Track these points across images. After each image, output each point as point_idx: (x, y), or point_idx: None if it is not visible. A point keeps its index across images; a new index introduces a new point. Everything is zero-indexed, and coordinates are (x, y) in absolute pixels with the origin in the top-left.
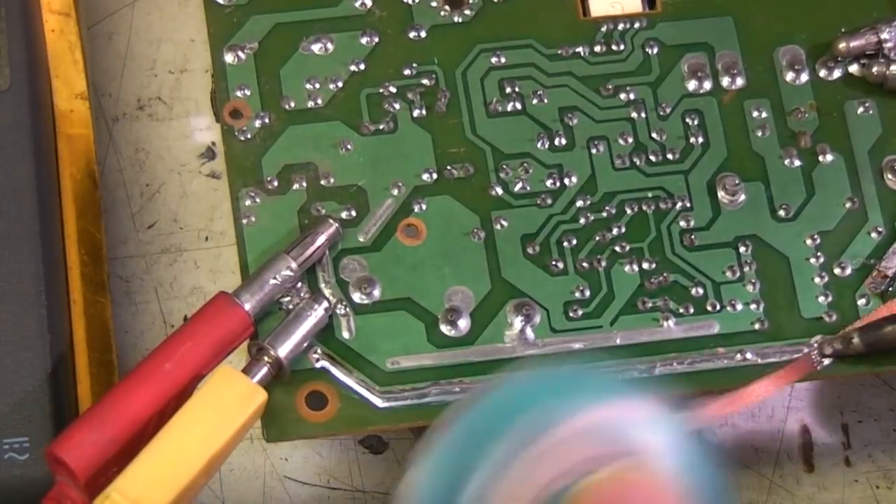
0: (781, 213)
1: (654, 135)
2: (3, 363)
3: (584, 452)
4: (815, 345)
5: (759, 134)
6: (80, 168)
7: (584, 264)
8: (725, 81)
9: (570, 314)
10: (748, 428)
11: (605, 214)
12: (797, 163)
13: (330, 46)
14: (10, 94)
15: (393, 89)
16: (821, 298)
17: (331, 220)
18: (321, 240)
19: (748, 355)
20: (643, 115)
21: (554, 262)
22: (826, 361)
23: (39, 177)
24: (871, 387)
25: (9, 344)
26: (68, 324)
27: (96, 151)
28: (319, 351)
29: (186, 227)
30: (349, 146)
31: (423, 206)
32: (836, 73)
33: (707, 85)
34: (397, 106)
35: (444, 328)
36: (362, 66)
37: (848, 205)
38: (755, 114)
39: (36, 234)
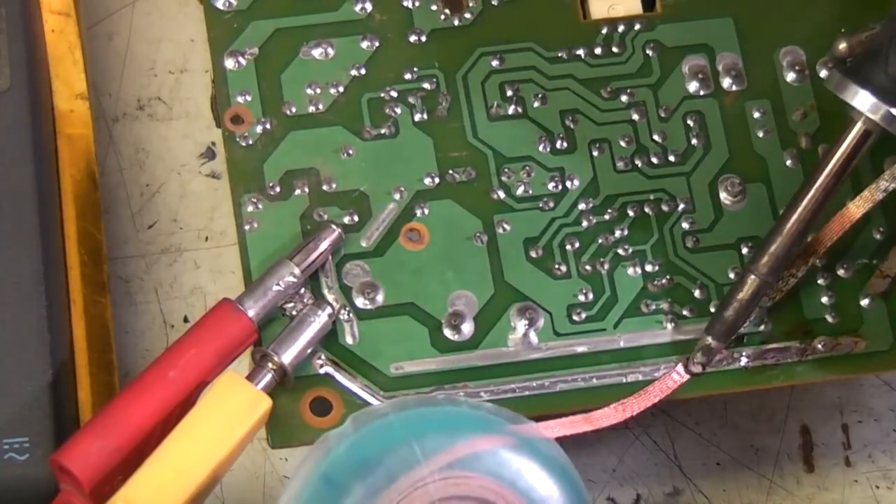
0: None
1: (655, 137)
2: (3, 363)
3: (450, 489)
4: (680, 364)
5: (761, 135)
6: (80, 168)
7: (587, 267)
8: (726, 83)
9: (574, 317)
10: (748, 428)
11: (607, 217)
12: (798, 164)
13: (330, 51)
14: (10, 94)
15: (394, 94)
16: (824, 299)
17: (333, 226)
18: (324, 245)
19: (750, 357)
20: (644, 117)
21: (557, 266)
22: (698, 372)
23: (39, 177)
24: (871, 387)
25: (9, 344)
26: (68, 324)
27: (96, 151)
28: (323, 357)
29: (186, 227)
30: (351, 151)
31: (426, 211)
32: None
33: (708, 86)
34: (398, 110)
35: (448, 332)
36: (363, 71)
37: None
38: (756, 115)
39: (36, 234)
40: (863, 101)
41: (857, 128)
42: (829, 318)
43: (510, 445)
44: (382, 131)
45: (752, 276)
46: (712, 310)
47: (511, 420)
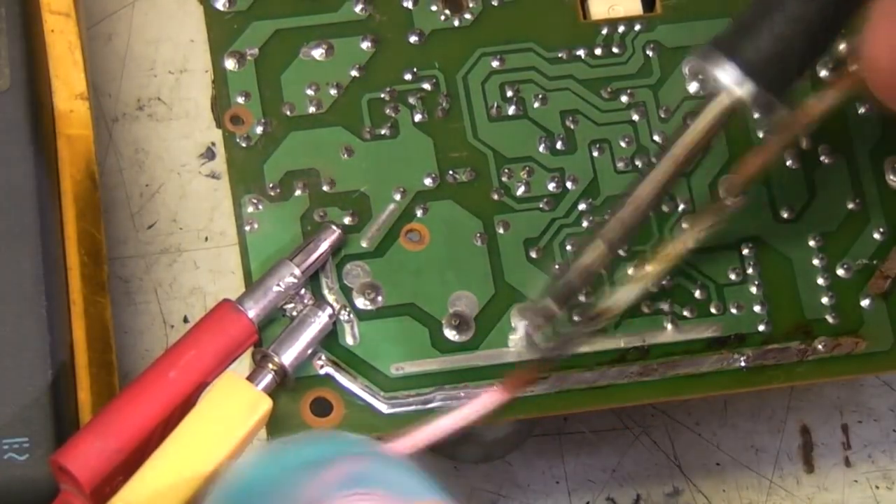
0: (784, 214)
1: (655, 137)
2: (3, 363)
3: None
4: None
5: (761, 135)
6: (79, 168)
7: None
8: None
9: (574, 318)
10: (748, 428)
11: (607, 218)
12: (799, 164)
13: (331, 52)
14: (10, 95)
15: (394, 94)
16: (824, 300)
17: (333, 226)
18: (324, 246)
19: (752, 357)
20: (645, 117)
21: (557, 266)
22: (544, 345)
23: (39, 177)
24: (871, 387)
25: (9, 344)
26: (68, 324)
27: (96, 152)
28: (324, 357)
29: (186, 227)
30: (351, 152)
31: (426, 211)
32: (837, 74)
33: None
34: (399, 111)
35: (449, 333)
36: (363, 72)
37: (850, 206)
38: (756, 115)
39: (36, 234)
40: (728, 74)
41: (720, 101)
42: (830, 319)
43: (375, 464)
44: (382, 132)
45: (599, 241)
46: (713, 310)
47: (369, 443)
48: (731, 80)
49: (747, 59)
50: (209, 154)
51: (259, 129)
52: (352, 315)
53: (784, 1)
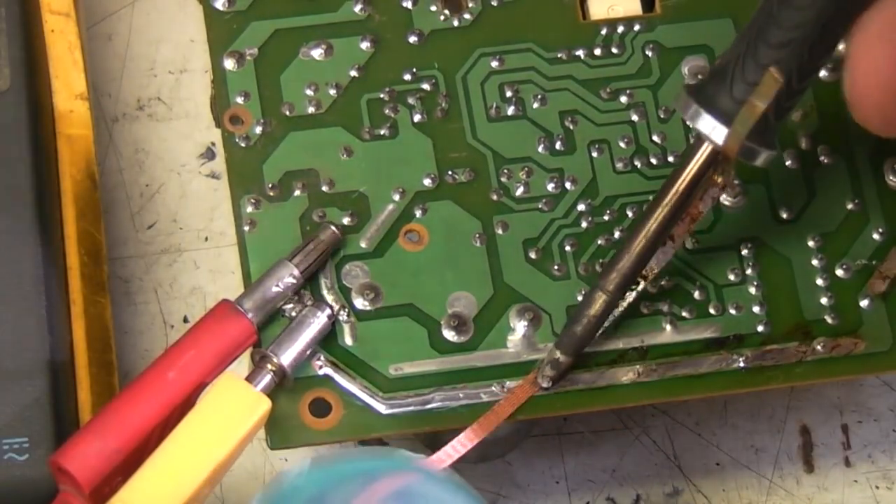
0: (783, 214)
1: (654, 137)
2: (2, 363)
3: None
4: (533, 376)
5: None
6: (79, 168)
7: (587, 268)
8: None
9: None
10: (748, 428)
11: (606, 218)
12: (798, 164)
13: (330, 52)
14: (10, 95)
15: (393, 94)
16: (823, 300)
17: (332, 227)
18: (323, 246)
19: (751, 358)
20: (644, 118)
21: (556, 267)
22: (546, 386)
23: (39, 177)
24: (871, 387)
25: (9, 344)
26: (68, 324)
27: (96, 152)
28: (322, 358)
29: (186, 227)
30: (350, 152)
31: (425, 212)
32: (836, 74)
33: None
34: (398, 111)
35: (447, 334)
36: (362, 72)
37: (849, 206)
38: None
39: (36, 234)
40: (706, 124)
41: (704, 148)
42: (829, 319)
43: (420, 479)
44: (382, 132)
45: (600, 293)
46: (712, 311)
47: (411, 458)
48: (709, 130)
49: (723, 106)
50: (209, 154)
51: (258, 129)
52: (351, 315)
53: (755, 46)
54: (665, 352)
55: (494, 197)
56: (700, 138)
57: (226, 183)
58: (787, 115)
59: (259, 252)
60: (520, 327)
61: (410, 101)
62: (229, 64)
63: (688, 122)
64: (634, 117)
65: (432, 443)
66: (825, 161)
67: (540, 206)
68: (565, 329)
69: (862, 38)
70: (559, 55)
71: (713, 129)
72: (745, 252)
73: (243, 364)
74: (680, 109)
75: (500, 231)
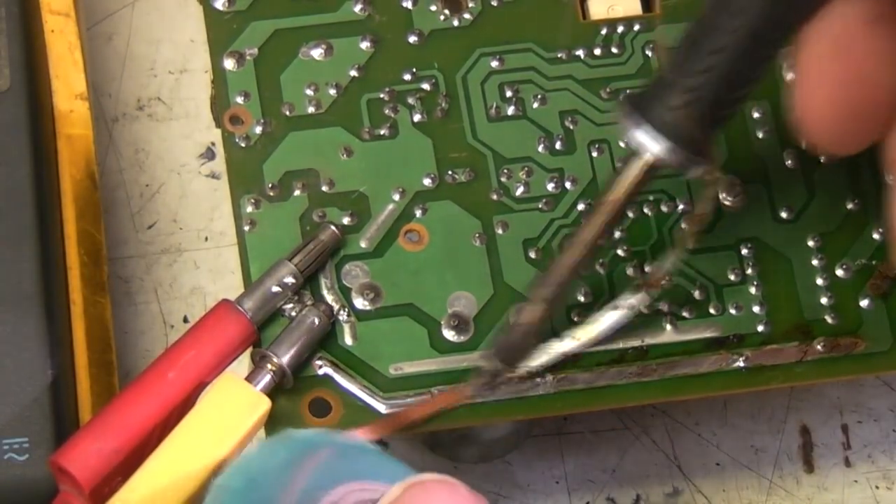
0: (783, 214)
1: None
2: (2, 363)
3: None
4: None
5: (760, 135)
6: (79, 168)
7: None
8: None
9: (573, 318)
10: (748, 428)
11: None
12: (798, 164)
13: (330, 52)
14: (10, 95)
15: (393, 94)
16: (823, 300)
17: (332, 227)
18: (323, 246)
19: (751, 358)
20: None
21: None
22: (474, 393)
23: (39, 177)
24: (871, 387)
25: (9, 344)
26: (68, 324)
27: (96, 152)
28: (322, 358)
29: (186, 227)
30: (350, 152)
31: (425, 212)
32: None
33: None
34: (398, 111)
35: (447, 333)
36: (362, 72)
37: (849, 206)
38: (756, 115)
39: (35, 234)
40: (643, 134)
41: (641, 160)
42: (829, 319)
43: (340, 453)
44: (382, 132)
45: (532, 303)
46: (712, 311)
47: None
48: (645, 140)
49: (659, 117)
50: (209, 154)
51: (258, 129)
52: (350, 315)
53: (691, 55)
54: (665, 352)
55: (494, 197)
56: (637, 150)
57: (226, 183)
58: (724, 123)
59: (259, 252)
60: None
61: (410, 101)
62: (229, 64)
63: (625, 134)
64: None
65: (432, 443)
66: (825, 161)
67: (540, 206)
68: (497, 337)
69: (809, 56)
70: (559, 55)
71: (650, 141)
72: (745, 252)
73: (243, 364)
74: (617, 120)
75: (500, 231)
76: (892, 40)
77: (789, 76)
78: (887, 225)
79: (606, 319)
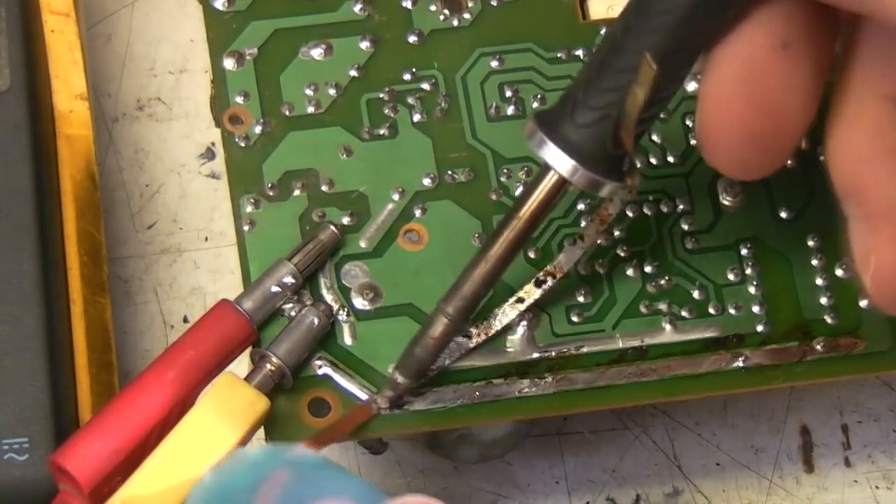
0: (783, 214)
1: (654, 137)
2: (2, 363)
3: None
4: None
5: None
6: (79, 169)
7: (587, 268)
8: None
9: (573, 318)
10: (748, 428)
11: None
12: (797, 164)
13: (330, 52)
14: (10, 95)
15: (393, 94)
16: (823, 300)
17: (332, 227)
18: (322, 246)
19: (750, 357)
20: None
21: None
22: (385, 406)
23: (39, 177)
24: (871, 387)
25: (8, 344)
26: (68, 324)
27: (96, 152)
28: (322, 358)
29: (186, 227)
30: (350, 152)
31: (425, 212)
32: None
33: None
34: (397, 111)
35: None
36: (362, 72)
37: None
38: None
39: (35, 234)
40: (551, 154)
41: (550, 177)
42: (829, 319)
43: (298, 474)
44: (381, 132)
45: (440, 316)
46: (711, 311)
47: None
48: (553, 159)
49: (567, 138)
50: (209, 154)
51: (258, 129)
52: (350, 315)
53: (599, 73)
54: (665, 352)
55: (494, 197)
56: (546, 167)
57: (226, 183)
58: (635, 144)
59: (259, 252)
60: (519, 327)
61: (410, 100)
62: (229, 64)
63: (533, 151)
64: None
65: (432, 443)
66: (824, 160)
67: None
68: (405, 350)
69: (715, 77)
70: (559, 55)
71: (557, 159)
72: (744, 252)
73: (243, 364)
74: (526, 137)
75: None
76: (799, 68)
77: (692, 86)
78: (855, 257)
79: (505, 316)
